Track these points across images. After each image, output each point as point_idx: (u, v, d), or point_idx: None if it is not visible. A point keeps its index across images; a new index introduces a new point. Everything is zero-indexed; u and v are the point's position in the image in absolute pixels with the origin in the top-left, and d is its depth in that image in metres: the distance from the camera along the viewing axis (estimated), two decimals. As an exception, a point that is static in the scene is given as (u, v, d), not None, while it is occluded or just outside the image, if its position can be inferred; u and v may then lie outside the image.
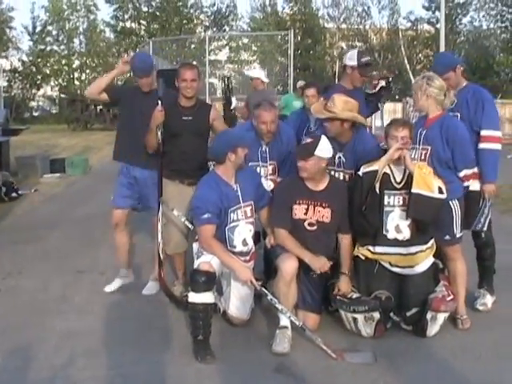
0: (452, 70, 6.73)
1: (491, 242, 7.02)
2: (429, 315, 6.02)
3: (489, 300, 6.92)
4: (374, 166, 6.09)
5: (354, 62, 7.40)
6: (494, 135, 6.66)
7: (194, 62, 7.36)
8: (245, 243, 6.23)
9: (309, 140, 6.11)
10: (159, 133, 6.86)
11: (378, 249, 6.21)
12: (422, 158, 6.32)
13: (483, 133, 6.60)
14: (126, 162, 7.32)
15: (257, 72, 14.38)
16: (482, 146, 6.59)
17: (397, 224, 6.16)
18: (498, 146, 6.66)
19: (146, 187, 7.20)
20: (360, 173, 6.16)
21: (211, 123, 7.09)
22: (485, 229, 6.84)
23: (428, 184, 5.95)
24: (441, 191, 6.02)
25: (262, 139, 6.81)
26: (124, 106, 7.35)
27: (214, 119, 7.11)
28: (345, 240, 6.38)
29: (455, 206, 6.37)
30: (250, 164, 6.63)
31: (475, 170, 6.47)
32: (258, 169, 6.84)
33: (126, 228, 7.52)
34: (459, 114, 6.64)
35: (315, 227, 6.22)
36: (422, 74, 6.73)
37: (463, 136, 6.32)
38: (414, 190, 5.95)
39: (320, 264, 6.02)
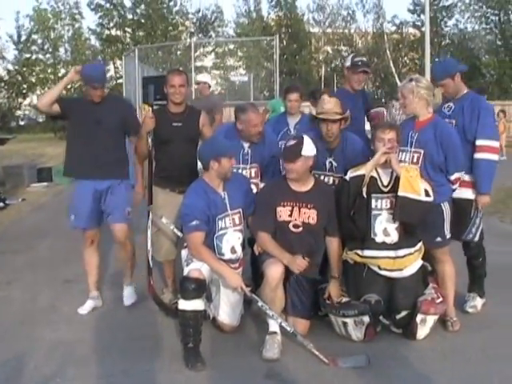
0: (450, 77, 6.65)
1: (482, 251, 7.02)
2: (418, 318, 6.03)
3: (479, 302, 6.94)
4: (361, 171, 6.10)
5: (349, 63, 7.57)
6: (491, 145, 6.54)
7: (181, 69, 7.30)
8: (233, 251, 6.22)
9: (292, 142, 6.13)
10: (149, 140, 6.86)
11: (367, 252, 6.21)
12: (415, 160, 6.35)
13: (479, 142, 6.50)
14: (83, 176, 7.01)
15: (204, 76, 13.84)
16: (477, 156, 6.50)
17: (385, 227, 6.17)
18: (494, 157, 6.55)
19: (110, 197, 7.00)
20: (347, 177, 6.17)
21: (201, 129, 7.09)
22: (476, 239, 6.81)
23: (414, 187, 5.97)
24: (427, 194, 6.04)
25: (245, 141, 6.84)
26: (76, 117, 6.90)
27: (203, 125, 7.12)
28: (333, 243, 6.39)
29: (446, 208, 6.42)
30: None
31: (466, 176, 6.47)
32: (240, 171, 6.82)
33: (97, 246, 7.31)
34: (454, 122, 6.61)
35: (301, 229, 6.23)
36: (408, 76, 6.74)
37: (456, 142, 6.34)
38: (400, 193, 5.97)
39: (296, 264, 6.02)
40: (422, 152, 6.32)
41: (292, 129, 7.77)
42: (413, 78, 6.47)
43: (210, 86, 13.12)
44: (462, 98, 6.71)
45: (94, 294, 7.26)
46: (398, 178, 6.03)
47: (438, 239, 6.43)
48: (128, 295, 7.32)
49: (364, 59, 7.77)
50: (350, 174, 6.14)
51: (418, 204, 6.00)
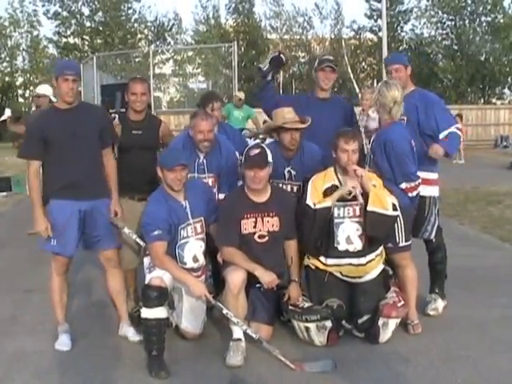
0: (403, 65, 6.89)
1: (442, 246, 7.12)
2: (380, 322, 6.06)
3: (440, 304, 7.00)
4: (327, 202, 6.12)
5: (316, 63, 7.44)
6: (456, 128, 6.81)
7: (138, 76, 7.21)
8: (195, 259, 6.22)
9: (256, 150, 6.07)
10: (115, 148, 6.74)
11: (330, 261, 6.24)
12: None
13: (444, 134, 6.71)
14: (64, 197, 6.12)
15: (44, 88, 11.76)
16: (451, 130, 6.73)
17: (348, 235, 6.18)
18: (460, 134, 6.90)
19: (98, 218, 6.29)
20: (310, 203, 6.16)
21: (161, 137, 7.06)
22: (432, 237, 6.94)
23: (383, 202, 6.02)
24: (395, 208, 6.09)
25: (200, 150, 6.76)
26: (49, 133, 6.09)
27: (163, 133, 7.09)
28: (292, 246, 6.42)
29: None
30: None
31: (417, 181, 6.47)
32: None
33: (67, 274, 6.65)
34: (406, 118, 6.69)
35: (266, 238, 6.23)
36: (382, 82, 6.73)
37: (400, 151, 6.32)
38: (369, 208, 6.02)
39: (270, 279, 6.01)
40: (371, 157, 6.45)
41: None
42: (382, 84, 6.52)
43: (50, 100, 10.83)
44: (410, 94, 6.82)
45: (67, 327, 6.54)
46: (362, 187, 6.08)
47: (389, 245, 6.46)
48: (134, 333, 6.56)
49: (331, 57, 7.62)
50: (317, 206, 6.14)
51: (386, 218, 6.07)
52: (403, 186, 6.35)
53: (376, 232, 6.14)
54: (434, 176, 6.88)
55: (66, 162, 6.13)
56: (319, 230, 6.15)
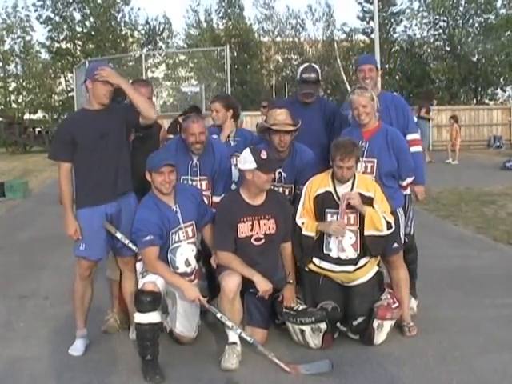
0: (375, 67, 7.03)
1: (414, 246, 7.17)
2: (375, 323, 6.07)
3: (414, 304, 7.02)
4: (312, 232, 6.21)
5: (298, 76, 7.36)
6: (417, 138, 6.97)
7: (131, 81, 7.09)
8: (187, 263, 6.21)
9: (265, 154, 6.02)
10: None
11: (324, 264, 6.25)
12: (368, 170, 6.41)
13: (410, 137, 6.83)
14: (96, 203, 6.10)
15: None
16: (414, 149, 6.79)
17: (339, 243, 6.17)
18: (421, 149, 7.02)
19: (123, 223, 6.20)
20: (299, 223, 6.26)
21: (161, 142, 7.06)
22: (412, 232, 7.00)
23: (376, 225, 6.05)
24: (390, 226, 6.12)
25: (192, 152, 6.75)
26: (79, 137, 6.01)
27: (162, 138, 7.09)
28: (286, 249, 6.43)
29: (401, 213, 6.51)
30: (181, 178, 6.55)
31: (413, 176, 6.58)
32: (189, 183, 6.76)
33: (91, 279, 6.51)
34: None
35: (263, 241, 6.23)
36: (356, 87, 6.71)
37: (406, 146, 6.46)
38: (365, 233, 6.07)
39: (266, 288, 6.02)
40: (376, 161, 6.38)
41: (232, 142, 7.49)
42: (361, 88, 6.52)
43: None
44: (383, 97, 6.87)
45: (85, 333, 6.48)
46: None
47: (395, 245, 6.48)
48: None
49: (312, 76, 7.26)
50: (303, 231, 6.23)
51: (383, 238, 6.12)
52: (406, 181, 6.56)
53: (375, 251, 6.21)
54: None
55: (97, 168, 6.09)
56: (306, 247, 6.27)
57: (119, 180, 6.18)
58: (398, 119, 6.78)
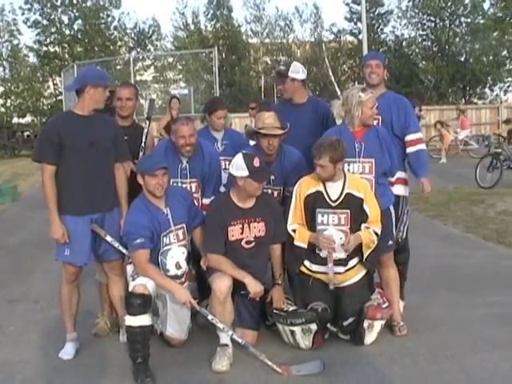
0: (382, 63, 6.94)
1: (407, 247, 7.16)
2: (365, 324, 6.08)
3: (401, 305, 6.98)
4: (303, 243, 6.24)
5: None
6: (421, 137, 6.95)
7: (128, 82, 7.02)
8: (178, 266, 6.19)
9: (258, 161, 6.01)
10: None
11: (315, 267, 6.28)
12: (367, 171, 6.40)
13: (414, 136, 6.83)
14: (80, 213, 6.04)
15: None
16: (419, 147, 6.83)
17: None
18: (425, 146, 6.97)
19: (108, 229, 6.19)
20: (290, 230, 6.31)
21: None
22: (404, 236, 7.00)
23: (371, 245, 6.16)
24: (377, 234, 6.20)
25: (182, 155, 6.73)
26: (67, 140, 5.91)
27: (148, 144, 7.04)
28: (276, 250, 6.43)
29: (392, 210, 6.52)
30: (171, 181, 6.49)
31: (402, 173, 6.60)
32: (179, 186, 6.73)
33: (77, 282, 6.46)
34: (381, 118, 6.74)
35: (253, 244, 6.22)
36: (354, 88, 6.71)
37: (391, 142, 6.47)
38: (365, 256, 6.22)
39: (257, 290, 6.04)
40: (373, 161, 6.38)
41: (220, 144, 7.39)
42: (358, 88, 6.53)
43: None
44: (384, 96, 6.86)
45: (74, 336, 6.44)
46: (348, 194, 6.13)
47: (390, 242, 6.53)
48: None
49: (283, 68, 7.30)
50: (296, 242, 6.27)
51: (374, 251, 6.24)
52: (396, 176, 6.66)
53: (373, 265, 6.40)
54: (405, 175, 6.95)
55: (84, 174, 6.01)
56: (298, 255, 6.33)
57: (104, 191, 6.16)
58: (399, 119, 6.77)
